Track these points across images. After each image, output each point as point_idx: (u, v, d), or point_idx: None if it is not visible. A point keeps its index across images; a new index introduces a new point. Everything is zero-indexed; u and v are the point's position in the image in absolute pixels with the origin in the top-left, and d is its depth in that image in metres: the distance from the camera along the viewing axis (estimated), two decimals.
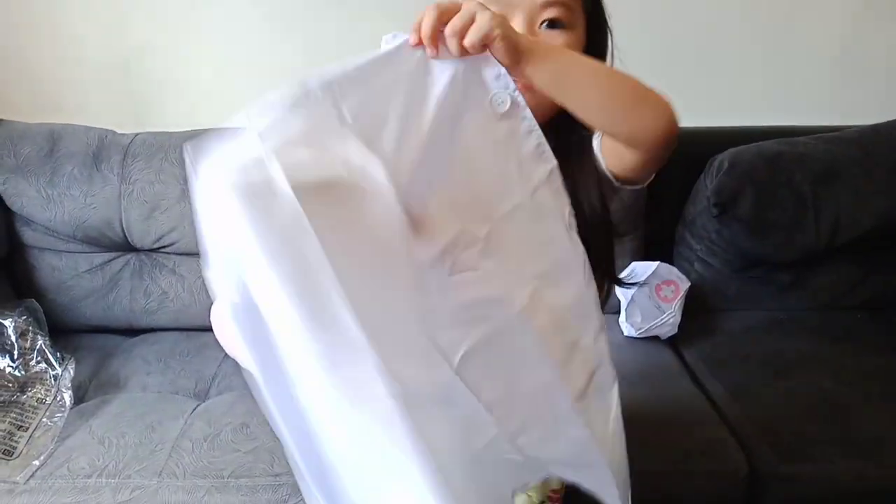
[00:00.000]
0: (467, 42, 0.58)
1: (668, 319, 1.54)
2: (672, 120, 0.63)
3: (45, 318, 1.47)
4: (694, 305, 1.58)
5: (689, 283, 1.58)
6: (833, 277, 1.62)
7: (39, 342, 1.35)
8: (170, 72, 1.75)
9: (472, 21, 0.58)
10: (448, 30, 0.58)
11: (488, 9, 0.59)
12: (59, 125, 1.59)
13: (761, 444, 1.23)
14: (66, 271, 1.57)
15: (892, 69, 1.80)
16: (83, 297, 1.57)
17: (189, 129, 1.62)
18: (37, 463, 1.16)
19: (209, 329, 1.38)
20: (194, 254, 1.57)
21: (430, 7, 0.59)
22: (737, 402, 1.34)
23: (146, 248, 1.57)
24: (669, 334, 1.55)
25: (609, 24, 0.79)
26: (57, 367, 1.33)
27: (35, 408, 1.26)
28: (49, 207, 1.52)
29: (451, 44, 0.58)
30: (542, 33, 0.72)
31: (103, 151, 1.55)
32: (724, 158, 1.56)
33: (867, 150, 1.58)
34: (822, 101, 1.81)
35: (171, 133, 1.60)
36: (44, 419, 1.25)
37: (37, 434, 1.22)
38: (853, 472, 1.17)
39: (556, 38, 0.72)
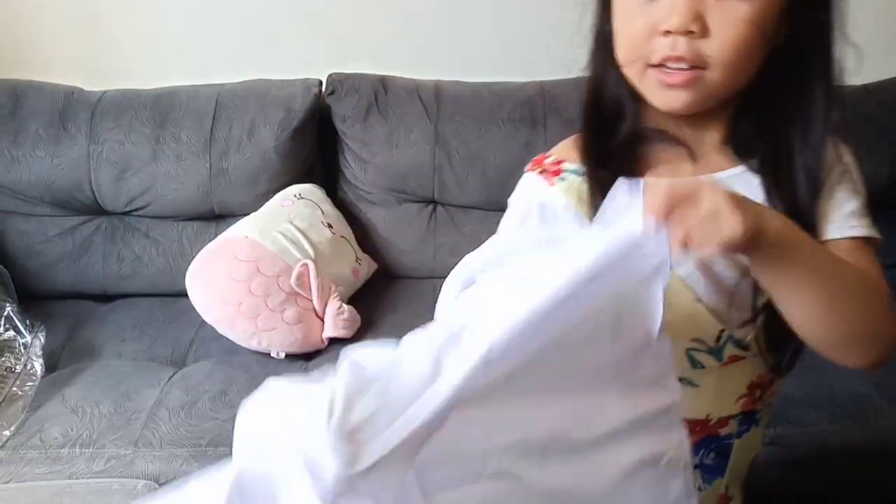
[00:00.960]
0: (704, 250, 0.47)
1: None
2: (883, 355, 0.53)
3: (13, 285, 1.42)
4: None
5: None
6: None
7: (7, 309, 1.31)
8: (139, 25, 1.67)
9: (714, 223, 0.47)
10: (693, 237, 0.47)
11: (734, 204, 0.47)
12: (22, 81, 1.52)
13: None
14: (34, 235, 1.51)
15: (882, 25, 1.76)
16: (54, 262, 1.52)
17: (159, 86, 1.56)
18: (7, 433, 1.13)
19: (185, 294, 1.36)
20: (168, 217, 1.53)
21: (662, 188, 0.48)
22: None
23: (118, 211, 1.52)
24: None
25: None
26: (26, 334, 1.29)
27: (4, 377, 1.22)
28: (14, 169, 1.45)
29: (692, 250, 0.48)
30: (712, 2, 0.56)
31: (70, 110, 1.48)
32: None
33: (858, 111, 1.55)
34: None
35: (140, 91, 1.53)
36: (14, 388, 1.21)
37: (6, 404, 1.18)
38: (838, 435, 1.17)
39: (729, 9, 0.56)
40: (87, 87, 1.54)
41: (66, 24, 1.65)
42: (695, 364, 0.64)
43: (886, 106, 1.57)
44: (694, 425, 0.66)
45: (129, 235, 1.53)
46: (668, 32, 0.57)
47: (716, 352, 0.64)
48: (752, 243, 0.48)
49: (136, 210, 1.51)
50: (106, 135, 1.46)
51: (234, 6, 1.66)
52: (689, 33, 0.56)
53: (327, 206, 1.51)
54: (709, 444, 0.67)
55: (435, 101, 1.55)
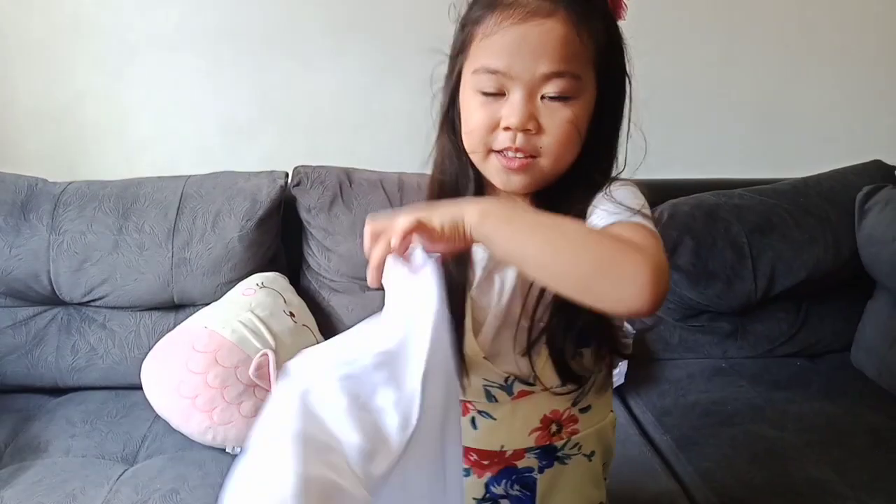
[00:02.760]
0: (387, 245, 0.61)
1: (615, 369, 1.54)
2: (646, 288, 0.55)
3: None
4: (639, 354, 1.59)
5: (635, 332, 1.59)
6: (771, 325, 1.65)
7: None
8: (107, 119, 1.71)
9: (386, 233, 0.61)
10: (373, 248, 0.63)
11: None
12: None
13: (709, 496, 1.22)
14: None
15: (818, 124, 1.89)
16: (4, 354, 1.47)
17: (125, 177, 1.58)
18: None
19: (140, 387, 1.32)
20: (126, 307, 1.51)
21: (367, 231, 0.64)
22: (683, 452, 1.34)
23: (75, 301, 1.50)
24: (617, 384, 1.55)
25: (629, 72, 0.74)
26: None
27: None
28: None
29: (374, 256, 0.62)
30: (542, 106, 0.68)
31: (32, 200, 1.48)
32: (663, 210, 1.60)
33: (799, 201, 1.65)
34: (757, 155, 1.89)
35: (105, 182, 1.54)
36: None
37: None
38: None
39: (559, 110, 0.68)
40: (52, 179, 1.55)
41: (35, 116, 1.68)
42: (490, 398, 0.74)
43: (825, 196, 1.67)
44: (491, 456, 0.75)
45: (84, 326, 1.50)
46: (507, 128, 0.68)
47: (507, 388, 0.74)
48: (454, 229, 0.60)
49: (94, 300, 1.48)
50: (67, 225, 1.46)
51: (202, 102, 1.72)
52: (525, 131, 0.68)
53: (290, 294, 1.51)
54: (509, 475, 0.75)
55: (398, 191, 1.59)
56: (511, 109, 0.68)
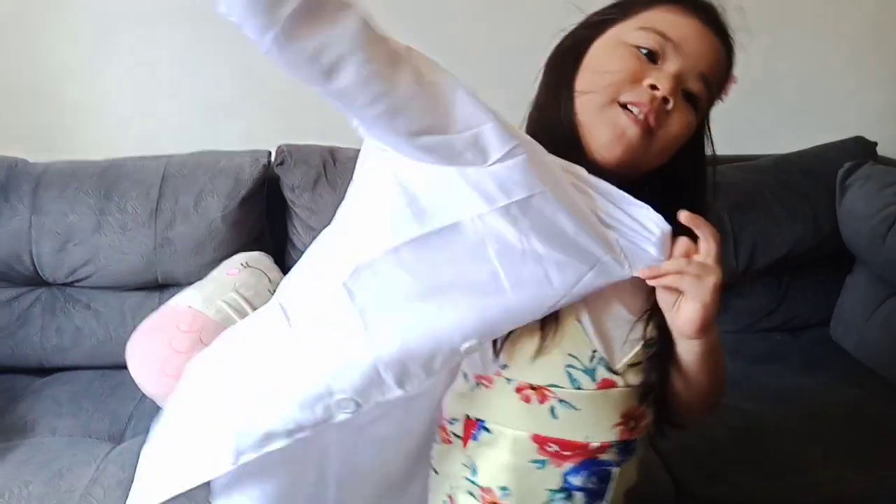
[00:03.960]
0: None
1: None
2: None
3: None
4: None
5: None
6: (752, 301, 1.67)
7: None
8: (85, 97, 1.69)
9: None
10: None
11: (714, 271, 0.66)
12: None
13: (687, 467, 1.25)
14: None
15: (801, 100, 1.90)
16: None
17: (106, 157, 1.57)
18: None
19: (125, 366, 1.33)
20: (110, 287, 1.51)
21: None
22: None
23: (59, 281, 1.50)
24: None
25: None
26: None
27: None
28: None
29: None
30: (680, 96, 0.70)
31: (12, 181, 1.47)
32: None
33: (781, 178, 1.66)
34: (738, 131, 1.89)
35: (87, 162, 1.53)
36: None
37: None
38: (769, 493, 1.20)
39: (688, 111, 0.70)
40: (31, 159, 1.54)
41: (13, 95, 1.66)
42: (573, 381, 0.70)
43: (808, 174, 1.69)
44: (574, 447, 0.71)
45: (69, 307, 1.50)
46: (653, 87, 0.68)
47: (589, 371, 0.70)
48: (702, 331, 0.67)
49: (78, 281, 1.48)
50: (49, 206, 1.45)
51: (181, 80, 1.70)
52: (664, 101, 0.68)
53: (275, 273, 1.51)
54: (589, 466, 0.72)
55: None
56: (667, 75, 0.68)
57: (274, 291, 1.45)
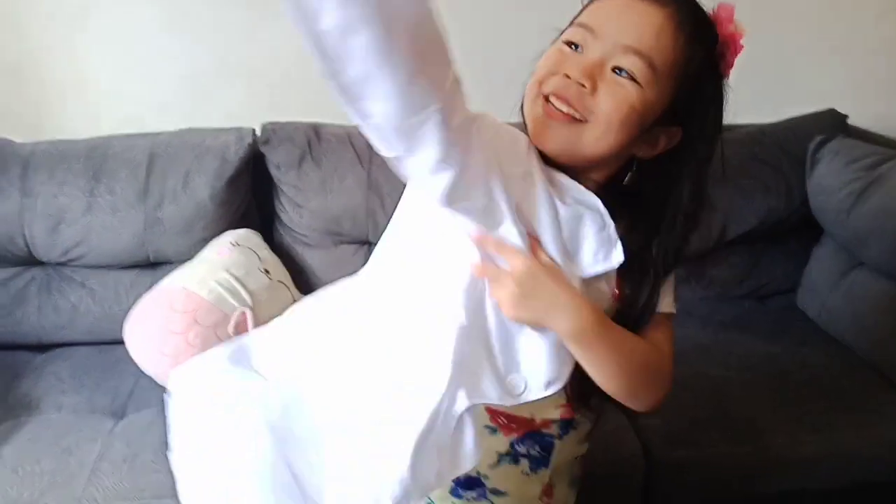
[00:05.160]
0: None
1: None
2: (662, 399, 0.75)
3: None
4: None
5: None
6: (723, 270, 1.75)
7: None
8: (66, 74, 1.68)
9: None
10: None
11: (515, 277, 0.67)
12: None
13: (655, 432, 1.34)
14: None
15: (778, 72, 1.92)
16: None
17: (91, 135, 1.58)
18: None
19: (122, 341, 1.38)
20: (104, 266, 1.55)
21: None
22: None
23: (53, 261, 1.53)
24: None
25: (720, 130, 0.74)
26: None
27: None
28: None
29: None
30: (609, 76, 0.67)
31: (1, 163, 1.49)
32: None
33: (753, 151, 1.71)
34: None
35: (73, 141, 1.55)
36: None
37: None
38: (732, 456, 1.30)
39: (623, 86, 0.67)
40: (16, 138, 1.55)
41: None
42: None
43: (781, 146, 1.73)
44: (520, 422, 0.80)
45: (64, 285, 1.54)
46: (566, 76, 0.68)
47: None
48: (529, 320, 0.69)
49: (72, 260, 1.52)
50: (39, 188, 1.48)
51: (162, 56, 1.69)
52: (580, 85, 0.67)
53: (264, 251, 1.56)
54: (533, 437, 0.81)
55: (367, 146, 1.61)
56: (577, 60, 0.68)
57: (264, 269, 1.51)
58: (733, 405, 1.40)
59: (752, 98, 1.91)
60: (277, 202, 1.63)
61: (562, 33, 0.74)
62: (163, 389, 1.37)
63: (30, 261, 1.53)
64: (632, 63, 0.67)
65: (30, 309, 1.53)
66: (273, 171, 1.61)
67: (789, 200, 1.70)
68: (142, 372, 1.41)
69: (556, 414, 0.80)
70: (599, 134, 0.68)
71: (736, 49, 0.72)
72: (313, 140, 1.60)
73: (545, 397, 0.72)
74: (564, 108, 0.68)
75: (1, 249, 1.50)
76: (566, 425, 0.82)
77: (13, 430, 1.30)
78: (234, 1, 1.67)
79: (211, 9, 1.67)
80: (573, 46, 0.70)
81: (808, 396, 1.42)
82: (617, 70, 0.67)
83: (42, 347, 1.55)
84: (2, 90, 1.67)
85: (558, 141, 0.69)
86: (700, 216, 0.75)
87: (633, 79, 0.67)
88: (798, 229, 1.74)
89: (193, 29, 1.68)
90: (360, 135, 1.76)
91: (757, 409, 1.39)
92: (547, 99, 0.69)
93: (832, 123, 1.75)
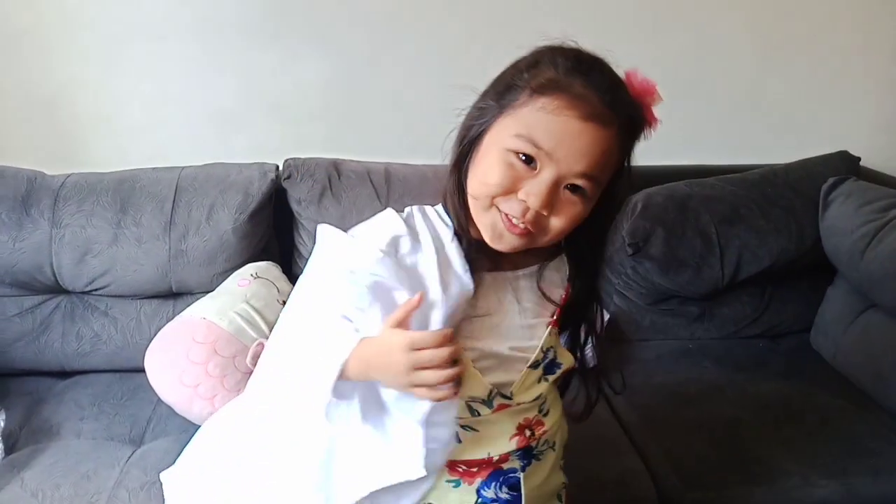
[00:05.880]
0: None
1: (589, 350, 1.64)
2: None
3: None
4: (612, 336, 1.70)
5: (609, 316, 1.69)
6: (736, 309, 1.76)
7: None
8: (98, 109, 1.75)
9: None
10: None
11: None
12: None
13: (669, 473, 1.34)
14: None
15: (790, 113, 1.96)
16: (12, 341, 1.55)
17: (120, 168, 1.63)
18: None
19: (142, 370, 1.41)
20: (127, 296, 1.58)
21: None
22: (648, 430, 1.45)
23: (78, 290, 1.57)
24: (591, 363, 1.65)
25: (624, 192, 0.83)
26: None
27: None
28: None
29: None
30: (562, 194, 0.74)
31: (33, 195, 1.54)
32: (637, 200, 1.67)
33: (766, 192, 1.73)
34: (728, 143, 1.96)
35: (102, 174, 1.60)
36: None
37: None
38: (746, 499, 1.30)
39: (574, 204, 0.74)
40: (47, 171, 1.60)
41: (29, 108, 1.72)
42: (472, 412, 0.82)
43: (793, 187, 1.75)
44: (479, 464, 0.84)
45: (88, 314, 1.58)
46: (525, 205, 0.73)
47: (488, 402, 0.83)
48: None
49: (96, 290, 1.56)
50: (68, 219, 1.52)
51: (190, 92, 1.75)
52: (539, 214, 0.74)
53: (283, 283, 1.59)
54: (497, 477, 0.84)
55: (385, 183, 1.66)
56: (538, 189, 0.72)
57: (282, 302, 1.54)
58: (747, 446, 1.40)
59: (764, 139, 1.96)
60: (297, 235, 1.67)
61: (486, 120, 0.76)
62: (180, 417, 1.41)
63: (56, 289, 1.58)
64: (584, 184, 0.73)
65: (53, 336, 1.57)
66: (294, 206, 1.65)
67: (801, 241, 1.72)
68: (161, 400, 1.44)
69: (511, 445, 0.84)
70: (552, 238, 0.77)
71: (653, 123, 0.78)
72: (333, 176, 1.65)
73: (496, 433, 0.82)
74: (522, 226, 0.75)
75: (29, 278, 1.54)
76: (526, 455, 0.85)
77: (34, 455, 1.32)
78: (260, 42, 1.74)
79: (238, 49, 1.74)
80: (523, 158, 0.73)
81: (822, 438, 1.41)
82: (569, 187, 0.74)
83: (64, 374, 1.59)
84: (35, 124, 1.74)
85: (514, 245, 0.77)
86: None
87: (582, 195, 0.74)
88: (811, 270, 1.75)
89: (221, 67, 1.75)
90: (378, 171, 1.81)
91: (771, 451, 1.38)
92: (504, 212, 0.75)
93: (845, 165, 1.77)
